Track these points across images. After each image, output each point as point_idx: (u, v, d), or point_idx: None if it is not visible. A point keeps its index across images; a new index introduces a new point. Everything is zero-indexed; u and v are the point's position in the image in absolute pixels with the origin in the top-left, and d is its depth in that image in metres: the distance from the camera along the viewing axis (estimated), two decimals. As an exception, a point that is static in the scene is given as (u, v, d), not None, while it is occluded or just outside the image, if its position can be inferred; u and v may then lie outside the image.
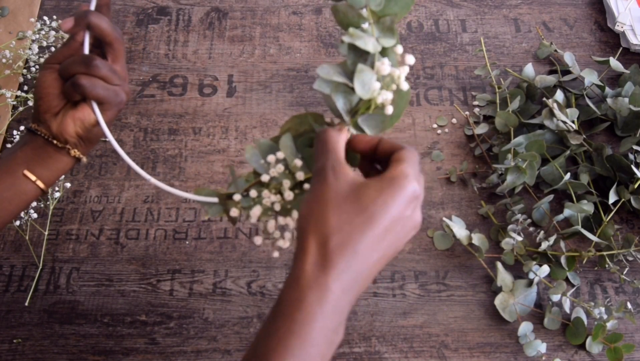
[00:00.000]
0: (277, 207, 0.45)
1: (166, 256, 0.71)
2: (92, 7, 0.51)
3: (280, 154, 0.45)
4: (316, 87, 0.44)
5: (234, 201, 0.46)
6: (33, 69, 0.82)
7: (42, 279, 0.69)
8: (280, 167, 0.44)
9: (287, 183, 0.44)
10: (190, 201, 0.74)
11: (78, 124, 0.52)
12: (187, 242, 0.71)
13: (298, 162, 0.45)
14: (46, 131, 0.52)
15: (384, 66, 0.43)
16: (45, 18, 0.85)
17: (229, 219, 0.47)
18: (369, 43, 0.44)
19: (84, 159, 0.55)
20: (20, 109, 0.80)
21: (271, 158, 0.45)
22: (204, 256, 0.70)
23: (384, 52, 0.45)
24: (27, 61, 0.84)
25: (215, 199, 0.48)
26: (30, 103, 0.79)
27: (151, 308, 0.67)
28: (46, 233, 0.72)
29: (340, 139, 0.42)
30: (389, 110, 0.44)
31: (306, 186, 0.45)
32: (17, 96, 0.79)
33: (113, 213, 0.73)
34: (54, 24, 0.84)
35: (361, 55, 0.44)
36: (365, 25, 0.45)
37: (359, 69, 0.43)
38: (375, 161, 0.45)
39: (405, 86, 0.44)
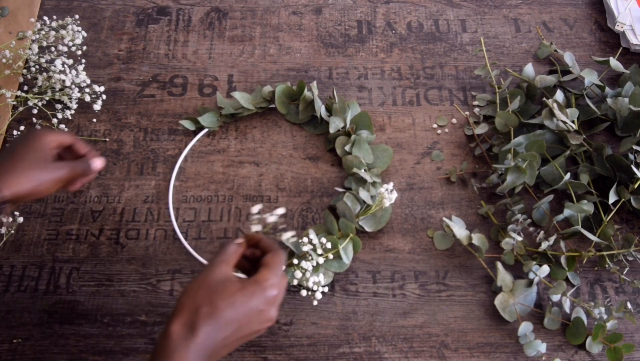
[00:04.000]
0: (310, 269, 0.66)
1: (166, 256, 0.71)
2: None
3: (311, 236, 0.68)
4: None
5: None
6: (33, 69, 0.82)
7: (42, 279, 0.69)
8: (310, 246, 0.67)
9: (315, 256, 0.66)
10: (190, 201, 0.74)
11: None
12: (187, 242, 0.71)
13: (323, 240, 0.67)
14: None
15: (385, 194, 0.69)
16: (45, 18, 0.85)
17: None
18: (366, 192, 0.72)
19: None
20: (20, 109, 0.80)
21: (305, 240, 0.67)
22: (204, 256, 0.70)
23: (374, 184, 0.73)
24: (27, 61, 0.84)
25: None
26: (30, 103, 0.79)
27: (151, 308, 0.67)
28: (46, 233, 0.72)
29: (237, 250, 0.54)
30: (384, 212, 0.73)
31: (328, 244, 0.68)
32: (17, 96, 0.79)
33: (113, 213, 0.73)
34: (54, 24, 0.84)
35: (360, 182, 0.73)
36: (362, 171, 0.72)
37: (360, 190, 0.72)
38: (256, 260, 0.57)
39: (387, 204, 0.69)
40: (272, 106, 0.80)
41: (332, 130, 0.75)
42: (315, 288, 0.65)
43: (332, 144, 0.78)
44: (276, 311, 0.52)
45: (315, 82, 0.79)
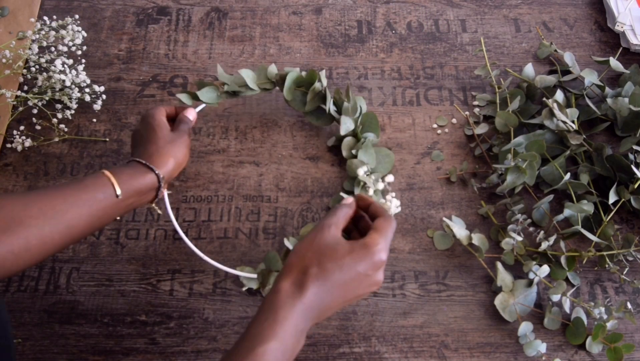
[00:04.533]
0: None
1: (166, 256, 0.71)
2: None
3: None
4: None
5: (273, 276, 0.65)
6: (33, 69, 0.82)
7: (42, 279, 0.69)
8: None
9: None
10: (190, 201, 0.74)
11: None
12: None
13: None
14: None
15: (390, 200, 0.68)
16: (45, 18, 0.85)
17: (262, 289, 0.67)
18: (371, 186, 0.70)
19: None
20: (20, 109, 0.80)
21: None
22: (205, 254, 0.70)
23: (376, 191, 0.71)
24: (27, 61, 0.84)
25: (254, 275, 0.67)
26: (30, 103, 0.79)
27: (151, 308, 0.67)
28: (46, 233, 0.72)
29: (347, 213, 0.55)
30: None
31: None
32: (17, 96, 0.79)
33: (113, 213, 0.73)
34: (54, 24, 0.84)
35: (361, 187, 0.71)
36: (364, 175, 0.70)
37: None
38: (359, 223, 0.58)
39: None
40: (276, 88, 0.77)
41: (343, 132, 0.73)
42: None
43: (335, 141, 0.77)
44: (382, 275, 0.52)
45: (324, 71, 0.76)
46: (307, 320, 0.49)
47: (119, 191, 0.56)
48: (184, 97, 0.73)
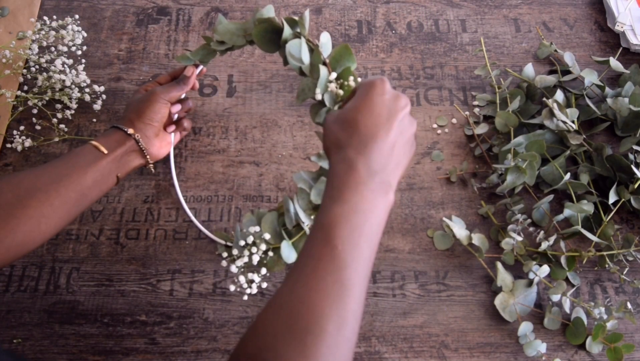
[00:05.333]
0: (255, 262, 0.58)
1: (166, 256, 0.71)
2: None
3: (258, 228, 0.60)
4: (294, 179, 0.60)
5: (232, 256, 0.61)
6: (33, 69, 0.82)
7: (42, 279, 0.69)
8: (251, 238, 0.59)
9: (254, 249, 0.59)
10: (190, 201, 0.74)
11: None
12: (187, 242, 0.71)
13: (266, 236, 0.59)
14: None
15: None
16: (45, 18, 0.85)
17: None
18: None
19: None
20: (20, 109, 0.80)
21: (252, 230, 0.60)
22: (204, 256, 0.70)
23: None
24: (27, 61, 0.84)
25: (223, 241, 0.67)
26: (30, 103, 0.79)
27: (151, 308, 0.67)
28: (46, 233, 0.72)
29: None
30: None
31: (270, 253, 0.59)
32: (17, 96, 0.79)
33: (113, 213, 0.73)
34: (54, 24, 0.84)
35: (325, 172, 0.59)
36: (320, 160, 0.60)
37: (320, 180, 0.59)
38: None
39: None
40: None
41: (298, 101, 0.61)
42: (245, 285, 0.60)
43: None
44: (402, 97, 0.52)
45: (307, 13, 0.62)
46: (371, 175, 0.48)
47: (102, 148, 0.64)
48: (182, 60, 0.73)
